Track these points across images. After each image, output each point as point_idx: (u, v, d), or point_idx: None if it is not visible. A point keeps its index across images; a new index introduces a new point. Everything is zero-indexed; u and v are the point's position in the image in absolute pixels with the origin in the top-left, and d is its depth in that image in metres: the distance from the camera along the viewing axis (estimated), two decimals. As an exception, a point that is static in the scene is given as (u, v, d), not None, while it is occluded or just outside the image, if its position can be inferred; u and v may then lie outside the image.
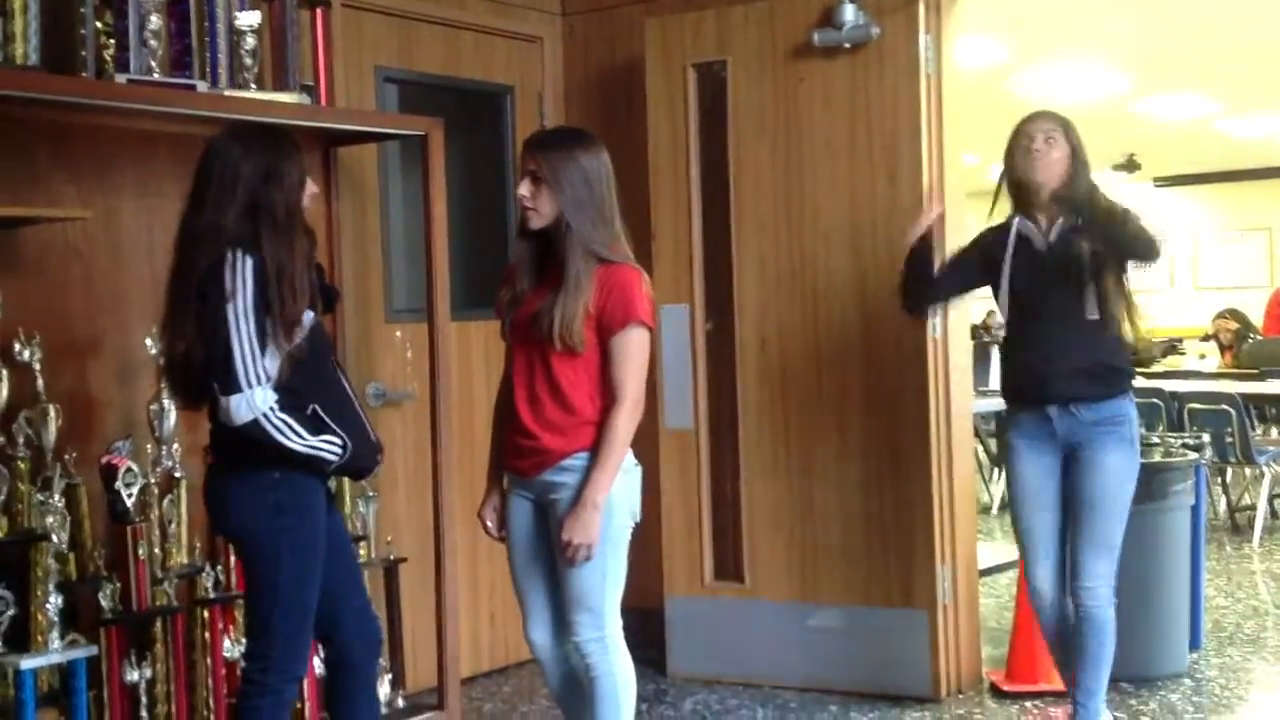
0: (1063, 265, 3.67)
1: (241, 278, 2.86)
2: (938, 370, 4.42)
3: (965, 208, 4.59)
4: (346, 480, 3.84)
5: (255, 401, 2.86)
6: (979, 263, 3.89)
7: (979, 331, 13.94)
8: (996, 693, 4.53)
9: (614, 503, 3.07)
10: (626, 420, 3.06)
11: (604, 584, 3.10)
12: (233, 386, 2.85)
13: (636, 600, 3.39)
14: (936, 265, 4.04)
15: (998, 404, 7.94)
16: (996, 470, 8.71)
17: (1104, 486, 3.71)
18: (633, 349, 3.08)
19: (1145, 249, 3.64)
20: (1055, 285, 3.69)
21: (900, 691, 4.44)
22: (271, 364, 2.90)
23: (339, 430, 2.99)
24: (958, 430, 4.50)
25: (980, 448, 8.51)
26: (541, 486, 3.13)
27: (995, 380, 7.83)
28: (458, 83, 4.91)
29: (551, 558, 3.15)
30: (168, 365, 3.05)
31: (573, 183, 3.06)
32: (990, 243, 3.86)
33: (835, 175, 4.48)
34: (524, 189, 3.09)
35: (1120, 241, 3.63)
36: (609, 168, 3.13)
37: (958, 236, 4.53)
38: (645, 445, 3.21)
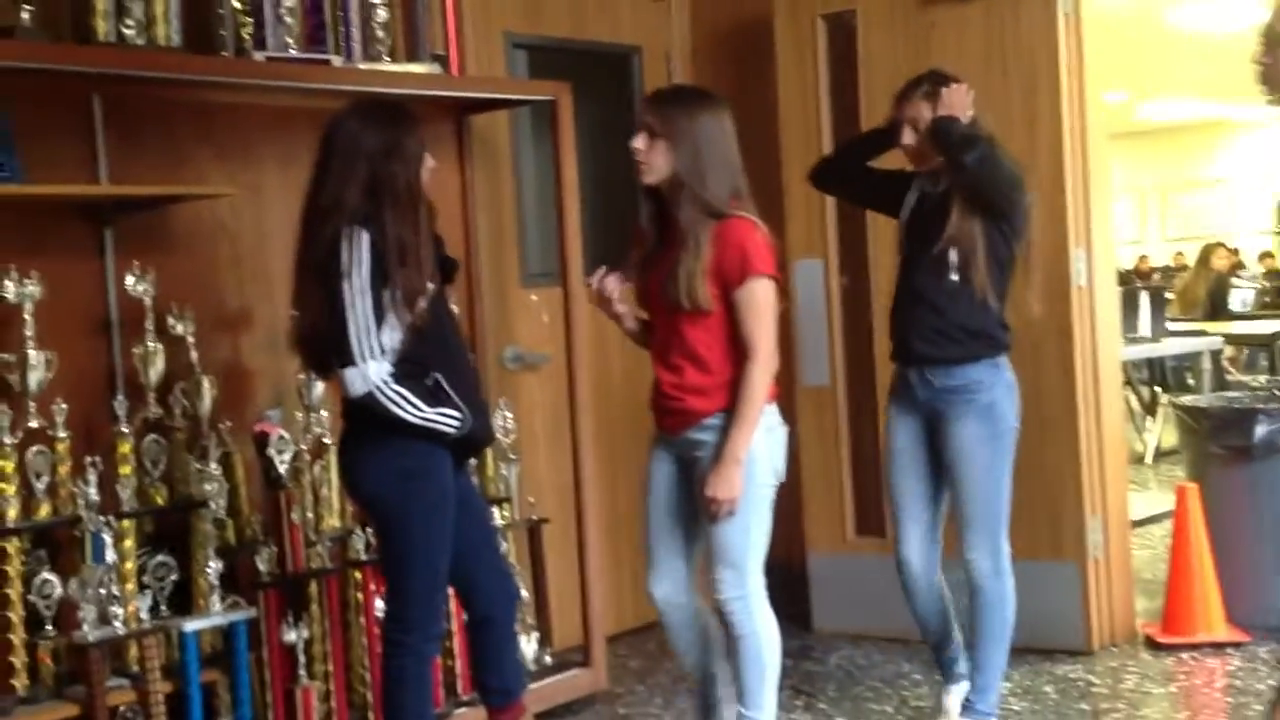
0: (934, 222, 3.50)
1: (358, 253, 2.92)
2: (1082, 316, 4.31)
3: (1108, 151, 4.44)
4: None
5: (369, 374, 2.92)
6: (890, 196, 3.71)
7: (1131, 276, 13.54)
8: (1151, 645, 4.43)
9: (756, 460, 3.07)
10: (761, 374, 3.05)
11: (747, 540, 3.10)
12: (348, 360, 2.93)
13: (780, 557, 3.37)
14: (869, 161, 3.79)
15: (1149, 350, 7.79)
16: (1149, 418, 8.46)
17: (963, 457, 3.53)
18: (757, 301, 3.05)
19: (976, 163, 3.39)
20: (927, 244, 3.52)
21: (1051, 645, 4.36)
22: (390, 337, 2.95)
23: (459, 403, 3.04)
24: (1106, 378, 4.38)
25: (1133, 396, 8.27)
26: (685, 444, 3.14)
27: (1145, 326, 7.65)
28: (585, 45, 4.91)
29: (689, 515, 3.16)
30: (299, 339, 3.12)
31: (689, 140, 3.05)
32: (902, 186, 3.67)
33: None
34: (639, 142, 3.09)
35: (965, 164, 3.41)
36: (730, 129, 3.10)
37: (1101, 181, 4.40)
38: (782, 403, 3.19)
